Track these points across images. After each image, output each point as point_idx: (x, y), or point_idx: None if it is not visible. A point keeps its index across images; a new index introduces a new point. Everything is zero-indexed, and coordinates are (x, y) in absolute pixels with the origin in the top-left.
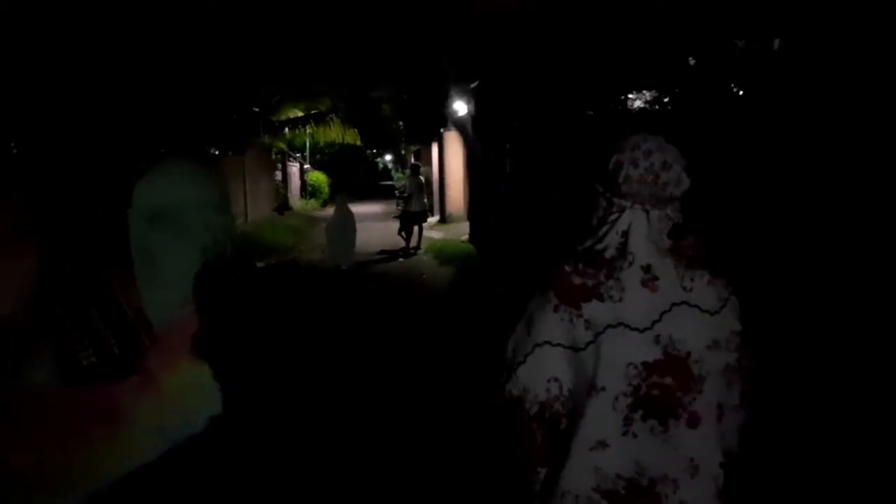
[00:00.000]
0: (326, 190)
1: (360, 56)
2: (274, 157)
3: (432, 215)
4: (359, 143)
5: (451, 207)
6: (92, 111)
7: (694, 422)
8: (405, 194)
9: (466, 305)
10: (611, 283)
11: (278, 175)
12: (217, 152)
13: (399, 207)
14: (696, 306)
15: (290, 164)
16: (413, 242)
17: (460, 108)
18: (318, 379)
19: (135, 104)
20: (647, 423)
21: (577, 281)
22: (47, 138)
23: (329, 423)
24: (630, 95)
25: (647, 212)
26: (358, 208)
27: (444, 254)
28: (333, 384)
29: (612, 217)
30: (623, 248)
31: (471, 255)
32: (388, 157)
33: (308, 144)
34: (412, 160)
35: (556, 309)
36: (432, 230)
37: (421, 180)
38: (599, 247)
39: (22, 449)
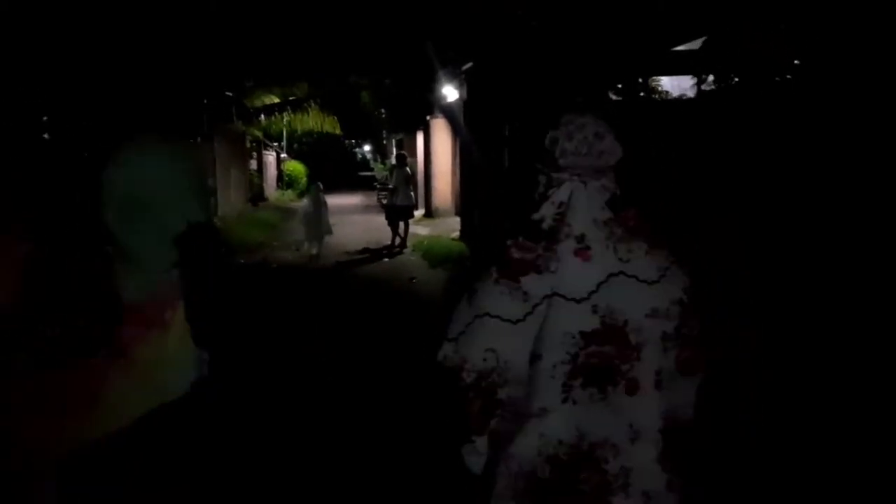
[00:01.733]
0: (304, 180)
1: (338, 38)
2: (249, 145)
3: (417, 209)
4: (338, 131)
5: (438, 201)
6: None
7: (632, 388)
8: (390, 186)
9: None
10: (548, 254)
11: (253, 164)
12: (179, 139)
13: (381, 200)
14: (633, 276)
15: (267, 153)
16: (398, 239)
17: (450, 93)
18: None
19: (88, 83)
20: (586, 390)
21: (517, 255)
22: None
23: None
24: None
25: (584, 183)
26: (337, 200)
27: (433, 253)
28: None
29: (551, 191)
30: (560, 220)
31: (463, 256)
32: (366, 148)
33: (285, 133)
34: (395, 150)
35: (496, 282)
36: (418, 225)
37: (407, 172)
38: (537, 218)
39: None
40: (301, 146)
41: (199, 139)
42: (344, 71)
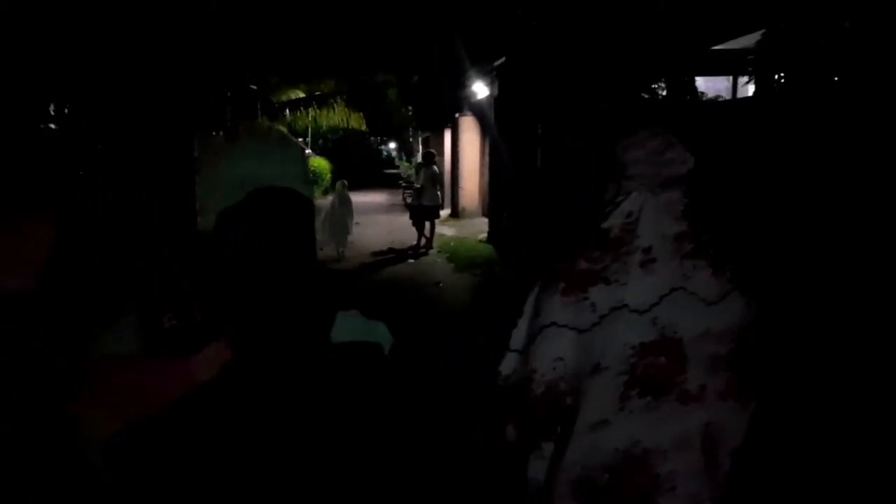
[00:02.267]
0: (328, 177)
1: (366, 33)
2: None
3: (443, 209)
4: (364, 128)
5: (465, 201)
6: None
7: (684, 399)
8: (416, 185)
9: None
10: (616, 266)
11: None
12: (201, 133)
13: (406, 200)
14: (693, 293)
15: None
16: (424, 240)
17: (479, 90)
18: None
19: (114, 75)
20: (642, 399)
21: (584, 266)
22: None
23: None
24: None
25: (654, 194)
26: (361, 198)
27: (459, 256)
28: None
29: (619, 199)
30: (629, 231)
31: (491, 260)
32: (392, 145)
33: (310, 129)
34: (421, 148)
35: (563, 293)
36: (444, 226)
37: (435, 171)
38: (605, 227)
39: (105, 416)
40: (326, 143)
41: (220, 133)
42: (371, 67)
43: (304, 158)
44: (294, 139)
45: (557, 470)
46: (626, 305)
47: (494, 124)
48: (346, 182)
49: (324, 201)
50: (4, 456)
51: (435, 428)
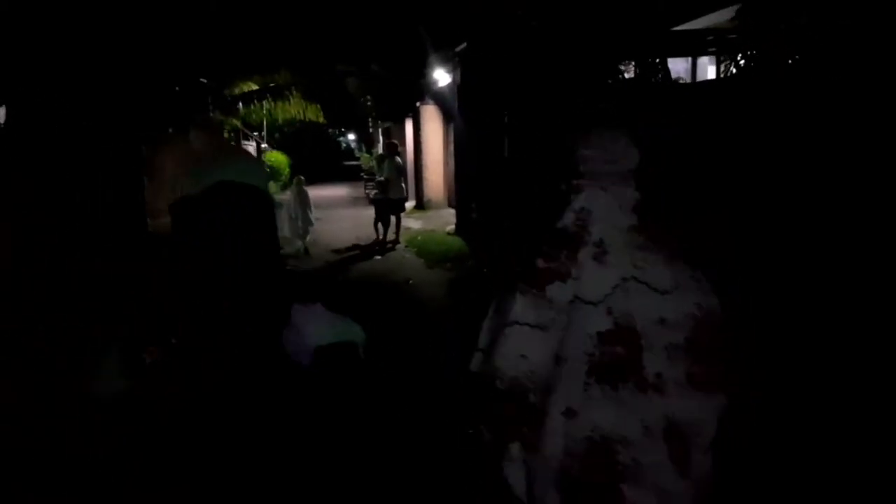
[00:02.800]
0: (287, 171)
1: (322, 21)
2: (228, 135)
3: (408, 201)
4: (321, 119)
5: (430, 192)
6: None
7: (642, 387)
8: (379, 178)
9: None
10: (570, 262)
11: None
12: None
13: (368, 193)
14: (645, 283)
15: (247, 143)
16: (392, 235)
17: (441, 77)
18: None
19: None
20: (600, 386)
21: (542, 265)
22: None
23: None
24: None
25: (604, 189)
26: (322, 192)
27: (429, 250)
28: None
29: (572, 197)
30: (581, 226)
31: (463, 254)
32: (351, 137)
33: (265, 122)
34: (382, 139)
35: (523, 292)
36: (409, 218)
37: (399, 162)
38: (560, 226)
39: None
40: (283, 136)
41: (170, 130)
42: (328, 57)
43: (260, 166)
44: (249, 152)
45: (538, 467)
46: (579, 297)
47: (458, 113)
48: (302, 178)
49: (282, 196)
50: (4, 456)
51: (433, 428)
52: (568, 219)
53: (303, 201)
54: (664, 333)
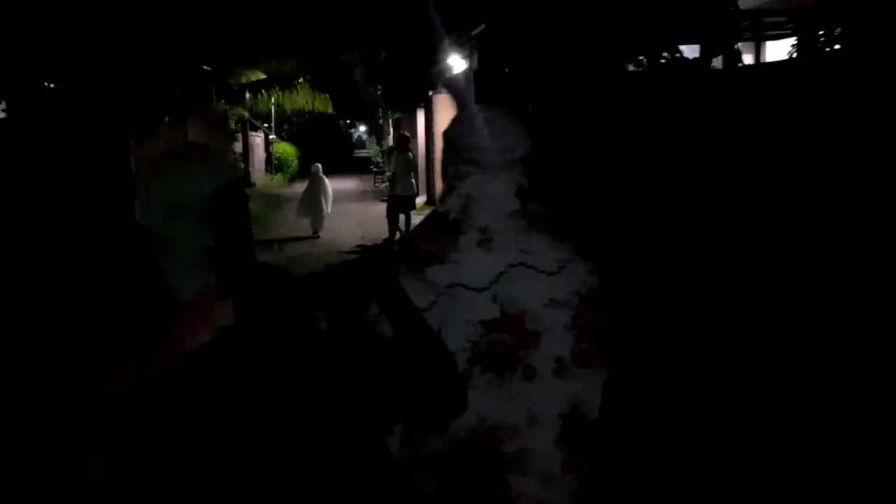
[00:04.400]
0: (295, 164)
1: (326, 8)
2: (234, 126)
3: (418, 196)
4: (330, 110)
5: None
6: None
7: (529, 374)
8: (387, 172)
9: None
10: (452, 246)
11: (237, 147)
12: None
13: (377, 185)
14: (532, 267)
15: (254, 134)
16: (398, 235)
17: (456, 64)
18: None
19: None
20: (484, 376)
21: (423, 247)
22: None
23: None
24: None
25: (491, 176)
26: (331, 185)
27: None
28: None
29: (458, 182)
30: (465, 212)
31: None
32: (362, 129)
33: (273, 112)
34: (392, 130)
35: (402, 275)
36: (420, 215)
37: (409, 156)
38: (443, 210)
39: (66, 417)
40: (291, 127)
41: (166, 119)
42: (335, 45)
43: (227, 176)
44: (216, 159)
45: (412, 449)
46: (461, 284)
47: (475, 102)
48: (319, 165)
49: (291, 191)
50: (4, 456)
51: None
52: (452, 204)
53: (317, 186)
54: (557, 314)
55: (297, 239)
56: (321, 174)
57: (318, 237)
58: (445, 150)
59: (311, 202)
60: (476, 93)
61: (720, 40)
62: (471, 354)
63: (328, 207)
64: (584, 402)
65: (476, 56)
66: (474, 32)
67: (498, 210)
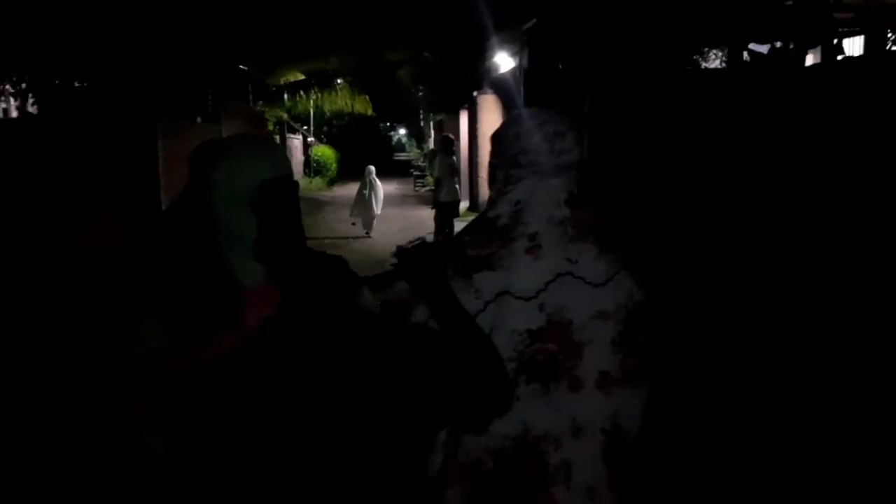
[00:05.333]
0: (334, 167)
1: (369, 6)
2: (272, 128)
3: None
4: (370, 112)
5: (486, 193)
6: None
7: (575, 385)
8: (430, 176)
9: None
10: (502, 252)
11: None
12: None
13: (417, 189)
14: (580, 277)
15: (292, 136)
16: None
17: (503, 62)
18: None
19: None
20: (530, 385)
21: (471, 252)
22: None
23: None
24: None
25: (542, 181)
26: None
27: None
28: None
29: (509, 187)
30: (515, 218)
31: None
32: (402, 132)
33: (312, 114)
34: (434, 133)
35: (450, 279)
36: (461, 221)
37: (453, 160)
38: (492, 215)
39: (138, 400)
40: (331, 129)
41: (198, 119)
42: (378, 42)
43: (287, 167)
44: (280, 150)
45: (449, 456)
46: (510, 292)
47: (524, 102)
48: (372, 167)
49: (330, 194)
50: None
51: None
52: (502, 209)
53: (369, 190)
54: (604, 327)
55: (337, 238)
56: (374, 176)
57: (369, 237)
58: (494, 153)
59: (363, 203)
60: (526, 92)
61: (819, 33)
62: (517, 364)
63: (378, 208)
64: (627, 418)
65: (526, 53)
66: (525, 27)
67: (549, 217)
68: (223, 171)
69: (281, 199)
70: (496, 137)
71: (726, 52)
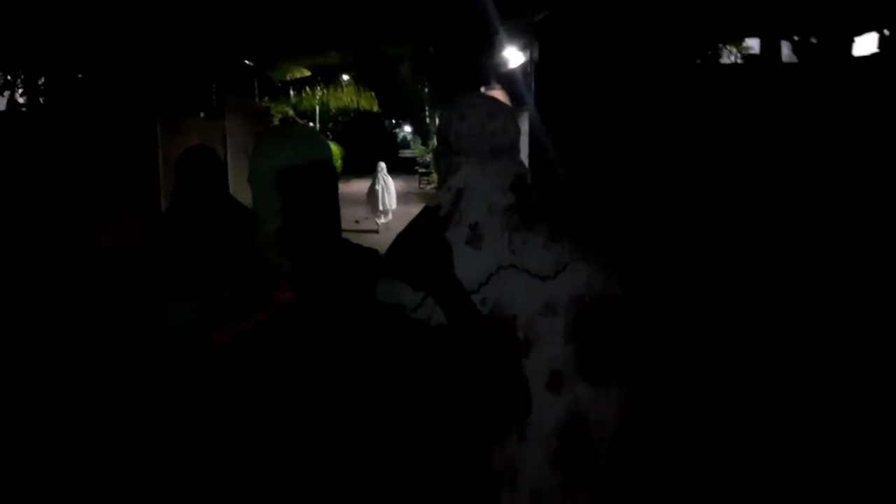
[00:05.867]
0: (339, 164)
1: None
2: (278, 124)
3: None
4: (375, 108)
5: None
6: None
7: None
8: (431, 173)
9: None
10: (442, 244)
11: None
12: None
13: (422, 187)
14: (525, 270)
15: None
16: None
17: (512, 56)
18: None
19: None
20: None
21: (412, 245)
22: None
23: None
24: None
25: (482, 166)
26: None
27: None
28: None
29: (449, 176)
30: (455, 206)
31: None
32: (407, 129)
33: (318, 111)
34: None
35: (390, 273)
36: None
37: None
38: (433, 205)
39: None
40: (336, 125)
41: (201, 114)
42: (381, 35)
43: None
44: (322, 137)
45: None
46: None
47: (534, 98)
48: (383, 164)
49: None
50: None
51: None
52: (443, 198)
53: (377, 183)
54: (553, 322)
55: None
56: (385, 172)
57: (377, 232)
58: (437, 143)
59: (374, 198)
60: (536, 86)
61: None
62: None
63: (392, 203)
64: (585, 419)
65: (537, 46)
66: (536, 19)
67: (491, 205)
68: (256, 151)
69: (313, 183)
70: (437, 129)
71: (738, 47)
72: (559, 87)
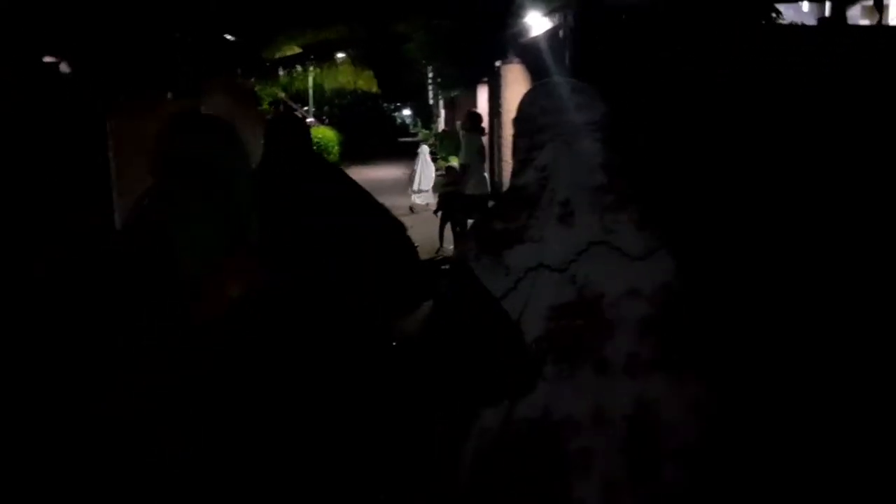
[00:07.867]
0: (336, 149)
1: None
2: (268, 107)
3: None
4: (375, 89)
5: (508, 178)
6: None
7: (601, 368)
8: (453, 164)
9: None
10: (531, 223)
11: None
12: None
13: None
14: (617, 248)
15: None
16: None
17: (534, 23)
18: None
19: None
20: (555, 367)
21: (499, 226)
22: None
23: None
24: None
25: (568, 144)
26: (374, 173)
27: None
28: None
29: (534, 153)
30: (543, 185)
31: None
32: (406, 112)
33: (311, 92)
34: (443, 112)
35: (476, 258)
36: None
37: (482, 142)
38: (518, 184)
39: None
40: (332, 108)
41: (171, 94)
42: (385, 12)
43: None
44: (234, 130)
45: (468, 438)
46: (542, 265)
47: (568, 70)
48: (425, 147)
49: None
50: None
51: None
52: (529, 177)
53: (416, 164)
54: (636, 306)
55: None
56: (427, 155)
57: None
58: (517, 121)
59: (412, 178)
60: (572, 58)
61: None
62: (546, 343)
63: (428, 184)
64: (655, 407)
65: (570, 12)
66: None
67: (580, 183)
68: (175, 140)
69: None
70: (519, 105)
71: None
72: (607, 57)
